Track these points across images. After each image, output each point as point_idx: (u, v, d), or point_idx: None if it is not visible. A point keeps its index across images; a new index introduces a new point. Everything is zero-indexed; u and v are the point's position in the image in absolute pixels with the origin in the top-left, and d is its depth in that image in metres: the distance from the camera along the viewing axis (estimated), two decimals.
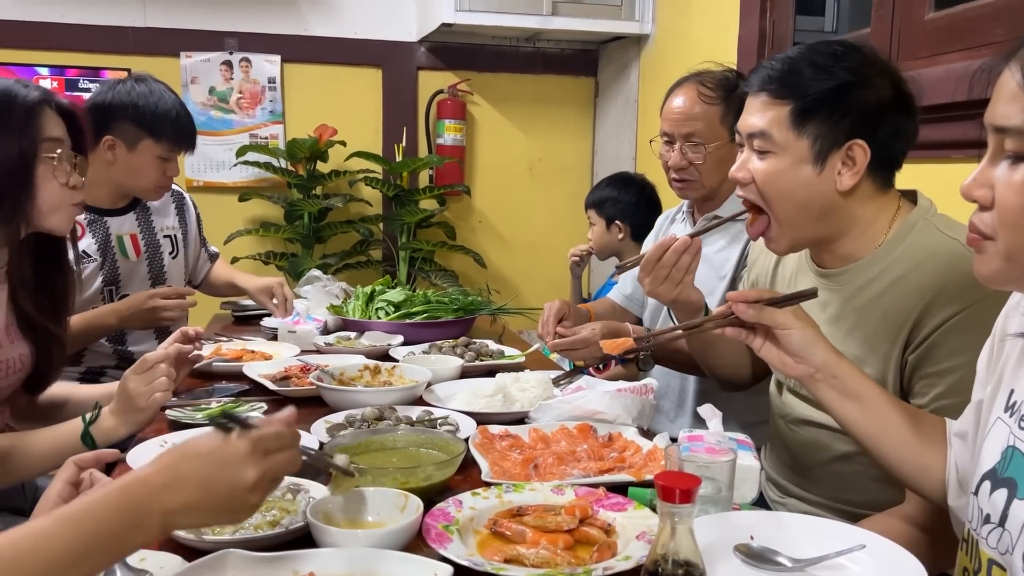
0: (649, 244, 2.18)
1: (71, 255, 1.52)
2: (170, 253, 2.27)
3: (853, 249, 1.27)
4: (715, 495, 1.07)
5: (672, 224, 2.12)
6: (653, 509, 1.06)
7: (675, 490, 0.80)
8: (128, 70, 3.17)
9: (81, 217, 2.10)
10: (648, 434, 1.38)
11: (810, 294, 1.13)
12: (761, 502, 1.20)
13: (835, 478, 1.32)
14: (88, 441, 1.33)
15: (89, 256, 2.09)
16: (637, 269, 2.21)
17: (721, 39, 2.79)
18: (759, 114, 1.24)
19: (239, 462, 0.80)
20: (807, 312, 1.11)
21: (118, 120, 2.04)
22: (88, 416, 1.35)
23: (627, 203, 2.67)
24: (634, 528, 1.01)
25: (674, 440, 1.26)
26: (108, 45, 3.31)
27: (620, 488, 1.14)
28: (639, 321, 2.16)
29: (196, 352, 1.56)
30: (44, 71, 2.95)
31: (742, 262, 1.85)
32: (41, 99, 1.36)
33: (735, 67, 2.63)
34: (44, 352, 1.47)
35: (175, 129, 2.08)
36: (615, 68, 3.69)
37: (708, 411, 1.20)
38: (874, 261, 1.25)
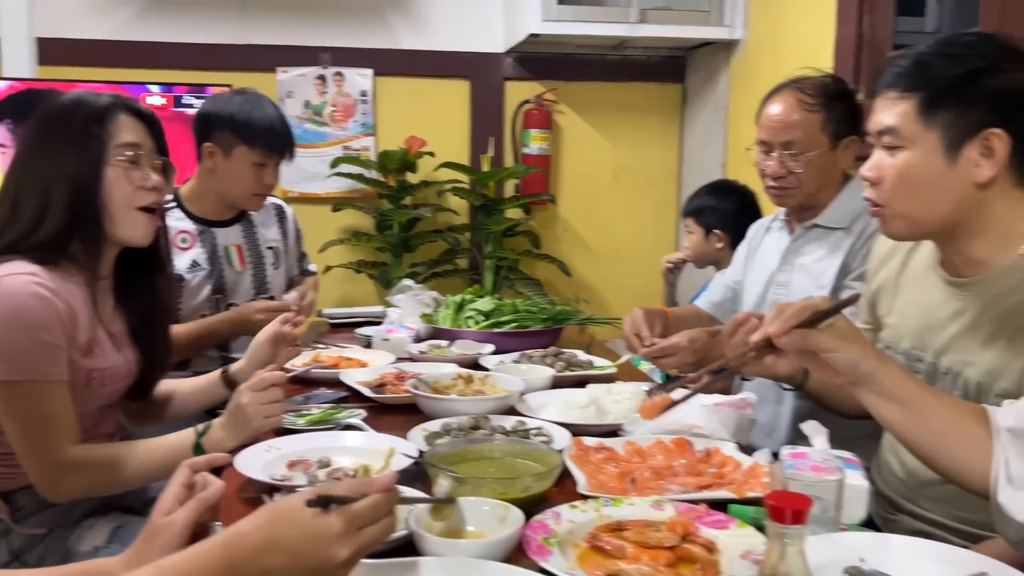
0: (742, 254, 2.14)
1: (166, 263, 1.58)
2: (272, 264, 2.34)
3: (989, 254, 1.21)
4: (821, 515, 1.04)
5: (767, 233, 2.07)
6: (757, 528, 1.04)
7: (786, 511, 0.78)
8: (229, 85, 3.30)
9: (192, 228, 2.20)
10: (747, 449, 1.35)
11: (852, 300, 1.11)
12: (869, 523, 1.16)
13: (951, 495, 1.26)
14: (199, 453, 1.38)
15: (199, 265, 2.18)
16: (725, 275, 2.18)
17: (816, 43, 2.72)
18: (887, 111, 1.21)
19: (332, 540, 0.80)
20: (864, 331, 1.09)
21: (216, 128, 2.13)
22: (199, 428, 1.40)
23: (727, 212, 2.62)
24: (737, 547, 0.99)
25: (775, 456, 1.23)
26: (210, 62, 3.46)
27: (720, 505, 1.12)
28: None
29: (295, 337, 1.64)
30: (155, 88, 3.11)
31: (844, 272, 1.80)
32: (111, 104, 1.40)
33: (831, 72, 2.56)
34: (149, 358, 1.54)
35: (268, 135, 2.14)
36: (703, 75, 3.64)
37: (812, 428, 1.16)
38: (1016, 268, 1.18)
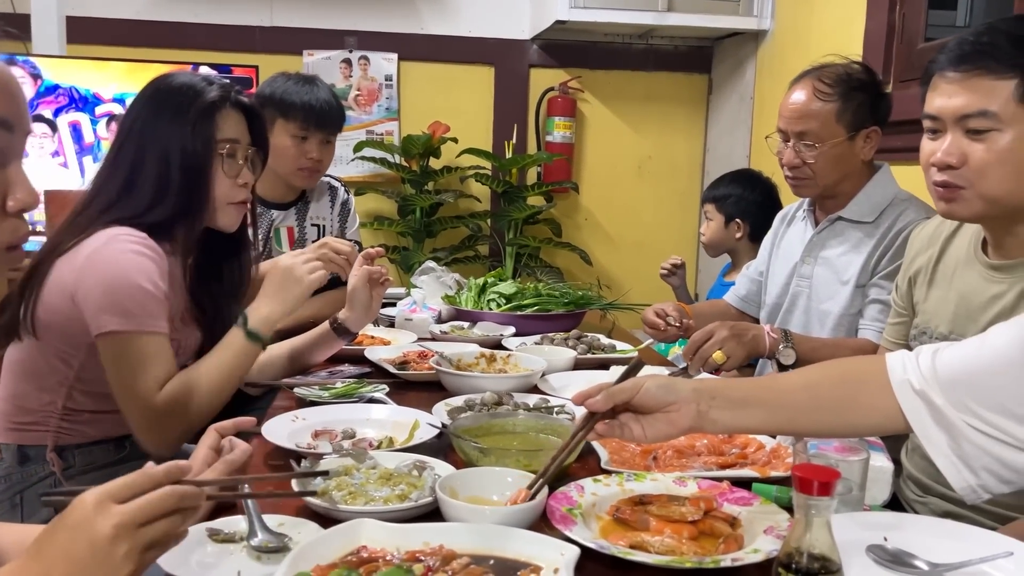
0: (767, 245, 2.13)
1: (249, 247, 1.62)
2: (313, 241, 2.33)
3: None
4: (845, 495, 1.04)
5: (791, 224, 2.06)
6: (781, 505, 1.05)
7: (813, 482, 0.78)
8: (255, 67, 3.32)
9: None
10: None
11: (636, 365, 1.07)
12: (893, 505, 1.15)
13: None
14: (254, 339, 1.42)
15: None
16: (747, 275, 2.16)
17: (845, 34, 2.70)
18: (971, 93, 1.18)
19: (105, 539, 0.72)
20: None
21: (263, 107, 2.11)
22: (240, 318, 1.43)
23: (751, 202, 2.61)
24: (760, 523, 1.00)
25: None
26: (237, 44, 3.48)
27: (743, 484, 1.12)
28: (756, 323, 2.11)
29: (383, 271, 1.67)
30: (182, 69, 3.13)
31: (868, 269, 1.79)
32: (220, 97, 1.44)
33: (858, 60, 2.53)
34: (211, 335, 1.56)
35: (304, 109, 2.17)
36: (730, 65, 3.62)
37: None
38: None
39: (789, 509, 1.05)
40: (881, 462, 1.11)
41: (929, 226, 1.50)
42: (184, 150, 1.41)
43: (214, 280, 1.58)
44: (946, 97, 1.21)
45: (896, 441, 1.40)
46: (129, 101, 1.50)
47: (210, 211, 1.47)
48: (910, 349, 1.06)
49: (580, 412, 1.40)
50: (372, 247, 1.70)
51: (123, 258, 1.34)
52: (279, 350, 1.70)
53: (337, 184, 2.49)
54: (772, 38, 3.29)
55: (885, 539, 0.96)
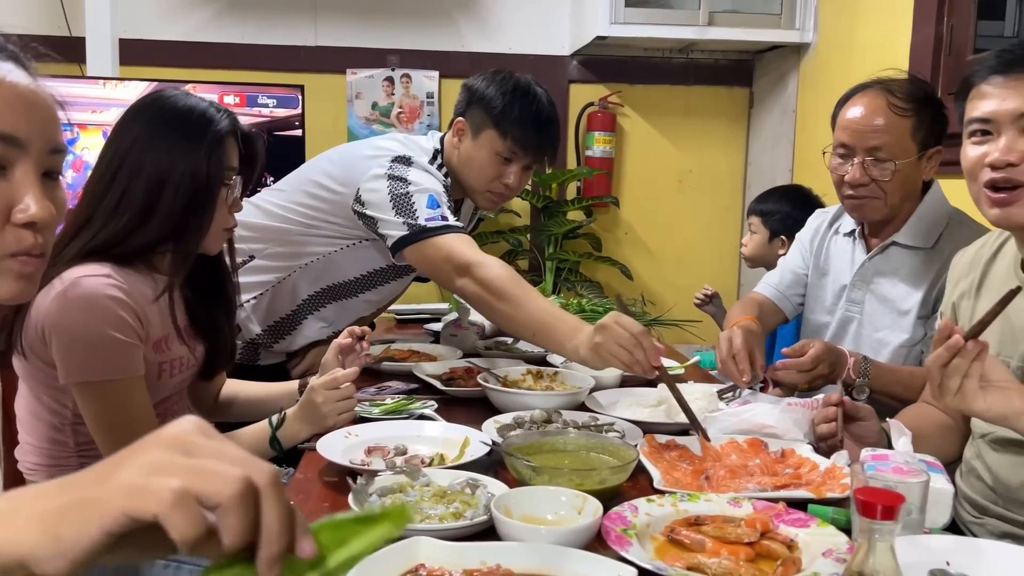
0: (805, 244, 2.01)
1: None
2: None
3: None
4: (904, 517, 1.02)
5: (835, 234, 1.94)
6: (838, 527, 1.03)
7: (877, 506, 0.77)
8: (301, 86, 3.38)
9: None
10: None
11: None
12: (952, 528, 1.13)
13: None
14: (275, 445, 1.42)
15: None
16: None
17: (891, 47, 2.67)
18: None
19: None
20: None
21: (473, 104, 1.93)
22: (274, 421, 1.43)
23: (799, 221, 2.50)
24: (819, 545, 0.99)
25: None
26: (282, 63, 3.55)
27: (798, 505, 1.11)
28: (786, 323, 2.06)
29: (366, 353, 1.60)
30: (232, 88, 3.21)
31: (931, 302, 1.71)
32: (230, 128, 1.42)
33: (912, 74, 2.50)
34: (213, 347, 1.56)
35: (524, 129, 1.87)
36: (772, 78, 3.60)
37: (896, 428, 1.15)
38: None
39: (847, 531, 1.04)
40: (941, 484, 1.09)
41: (969, 252, 1.46)
42: (195, 176, 1.37)
43: (205, 298, 1.55)
44: (998, 100, 1.21)
45: (950, 463, 1.38)
46: (119, 117, 1.42)
47: (207, 236, 1.43)
48: None
49: (629, 431, 1.41)
50: (360, 328, 1.59)
51: (89, 303, 1.29)
52: (231, 392, 1.70)
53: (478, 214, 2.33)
54: (815, 51, 3.27)
55: (948, 563, 0.95)
